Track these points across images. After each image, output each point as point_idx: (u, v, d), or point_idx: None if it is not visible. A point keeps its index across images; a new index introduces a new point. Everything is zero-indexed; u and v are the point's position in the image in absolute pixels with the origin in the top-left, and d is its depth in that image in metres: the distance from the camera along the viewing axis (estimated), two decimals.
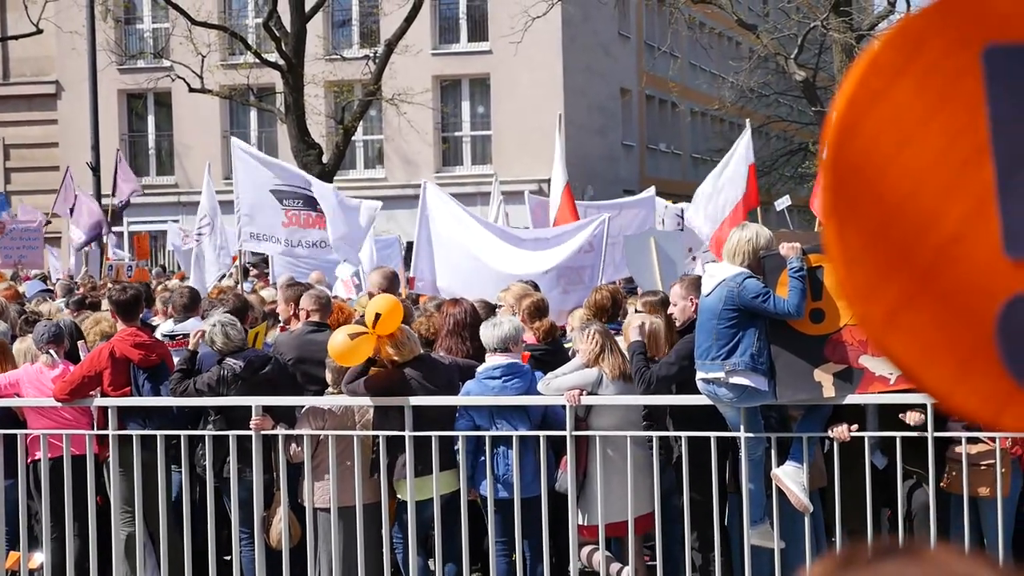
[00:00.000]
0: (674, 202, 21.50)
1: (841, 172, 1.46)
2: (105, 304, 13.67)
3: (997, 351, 1.49)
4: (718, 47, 55.75)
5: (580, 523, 9.33)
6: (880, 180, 1.46)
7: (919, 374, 1.50)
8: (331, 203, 16.96)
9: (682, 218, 18.09)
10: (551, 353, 10.38)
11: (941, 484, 8.79)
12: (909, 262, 1.46)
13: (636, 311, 10.79)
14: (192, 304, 12.31)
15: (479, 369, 9.59)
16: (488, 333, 9.60)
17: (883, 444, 8.88)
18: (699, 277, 10.13)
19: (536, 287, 12.42)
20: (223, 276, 19.89)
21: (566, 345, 10.90)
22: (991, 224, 1.48)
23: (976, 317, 1.48)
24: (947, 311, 1.47)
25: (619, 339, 9.75)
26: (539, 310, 10.84)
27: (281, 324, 12.57)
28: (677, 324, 9.33)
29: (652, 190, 22.67)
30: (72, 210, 28.15)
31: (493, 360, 9.51)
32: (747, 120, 22.00)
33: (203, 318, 11.64)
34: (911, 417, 8.56)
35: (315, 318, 11.01)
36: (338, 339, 9.19)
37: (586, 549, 9.39)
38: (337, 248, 17.03)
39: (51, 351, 10.52)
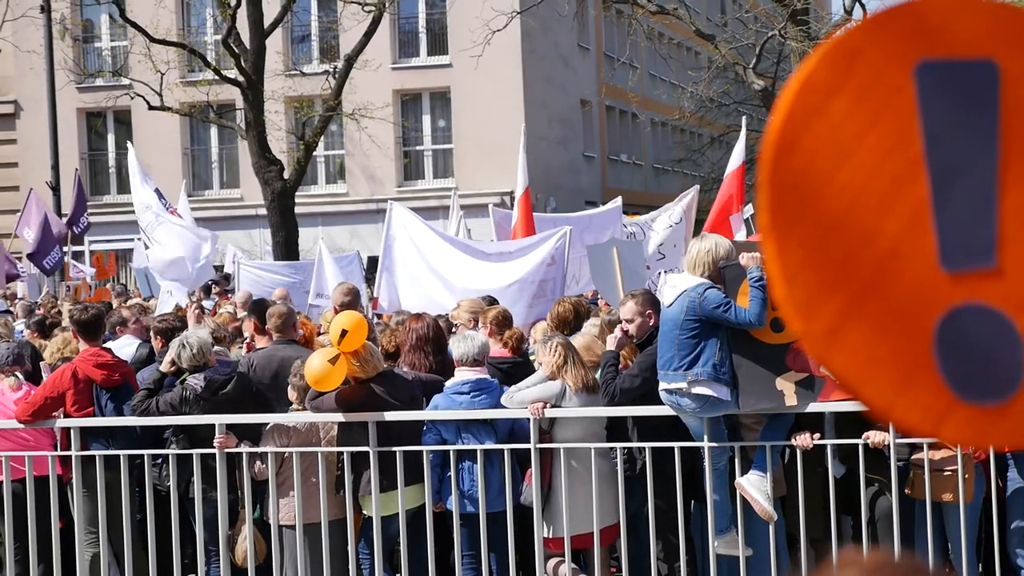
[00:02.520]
0: (632, 215, 21.54)
1: (778, 189, 1.48)
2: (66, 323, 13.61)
3: (935, 364, 1.52)
4: (677, 57, 55.93)
5: (546, 536, 9.34)
6: (818, 197, 1.48)
7: (860, 389, 1.52)
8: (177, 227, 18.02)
9: (643, 231, 18.10)
10: (518, 366, 10.39)
11: (906, 491, 8.84)
12: (848, 278, 1.48)
13: (601, 326, 10.81)
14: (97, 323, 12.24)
15: (448, 384, 9.60)
16: (459, 347, 9.62)
17: (842, 453, 8.93)
18: (648, 291, 10.15)
19: (493, 301, 12.43)
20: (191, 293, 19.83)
21: (531, 358, 10.91)
22: (927, 238, 1.50)
23: (915, 331, 1.50)
24: (886, 326, 1.49)
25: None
26: (506, 320, 10.85)
27: (247, 341, 12.55)
28: (635, 340, 9.34)
29: (619, 200, 22.71)
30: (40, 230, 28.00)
31: (462, 375, 9.53)
32: (743, 119, 22.11)
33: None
34: (874, 438, 8.60)
35: (281, 335, 11.02)
36: (314, 364, 9.19)
37: (552, 561, 9.41)
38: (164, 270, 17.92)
39: (18, 373, 10.48)
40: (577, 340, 9.91)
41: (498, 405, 9.42)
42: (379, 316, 14.46)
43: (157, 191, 18.00)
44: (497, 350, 10.56)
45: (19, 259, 30.06)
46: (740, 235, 18.56)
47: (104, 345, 10.97)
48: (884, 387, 1.51)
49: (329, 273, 18.78)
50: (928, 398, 1.52)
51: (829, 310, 1.47)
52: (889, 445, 8.58)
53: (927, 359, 1.51)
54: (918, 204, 1.48)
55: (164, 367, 10.04)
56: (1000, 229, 1.52)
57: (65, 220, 29.88)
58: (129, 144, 18.94)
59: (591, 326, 10.87)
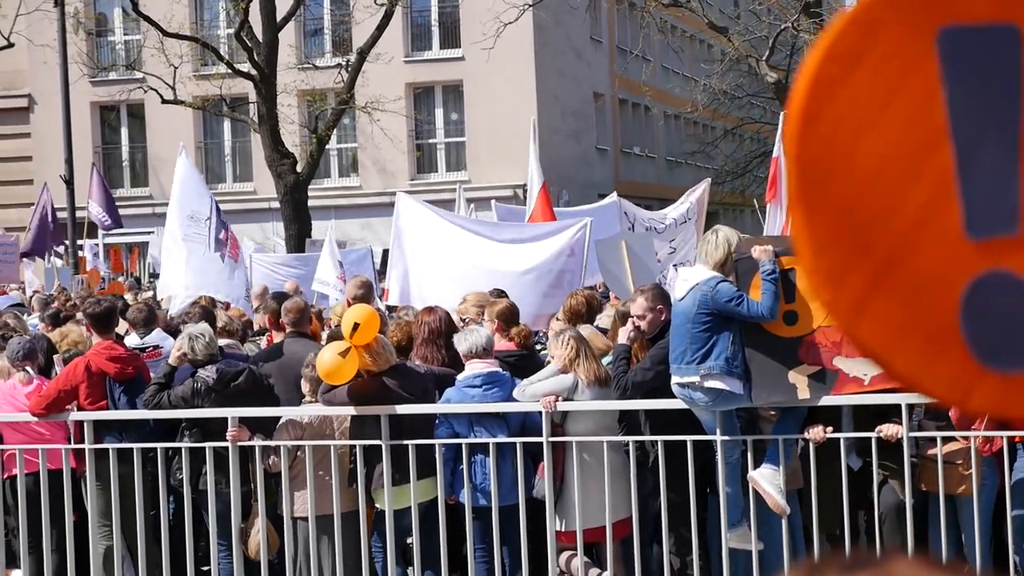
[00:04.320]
0: (645, 207, 21.56)
1: (804, 160, 1.49)
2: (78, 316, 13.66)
3: (962, 333, 1.52)
4: (690, 50, 55.89)
5: (558, 529, 9.34)
6: (844, 167, 1.49)
7: (888, 360, 1.52)
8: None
9: (653, 227, 18.09)
10: (525, 358, 10.39)
11: (921, 486, 8.83)
12: (875, 248, 1.48)
13: (612, 318, 10.79)
14: (150, 317, 12.28)
15: (459, 377, 9.60)
16: (466, 341, 9.63)
17: (858, 446, 8.91)
18: (657, 286, 10.15)
19: (502, 294, 12.42)
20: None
21: (542, 352, 10.90)
22: (952, 207, 1.50)
23: (941, 300, 1.50)
24: (913, 296, 1.49)
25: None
26: (512, 315, 10.84)
27: (268, 335, 12.63)
28: (646, 335, 9.32)
29: (614, 195, 22.75)
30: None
31: (473, 368, 9.53)
32: (781, 113, 22.20)
33: (170, 331, 11.64)
34: (887, 431, 8.58)
35: (295, 328, 11.07)
36: (326, 357, 9.19)
37: (564, 555, 9.41)
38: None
39: (28, 368, 10.50)
40: (585, 332, 9.91)
41: (510, 398, 9.42)
42: (392, 309, 14.45)
43: (218, 209, 17.30)
44: (503, 344, 10.55)
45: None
46: (774, 228, 18.62)
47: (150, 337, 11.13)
48: (911, 358, 1.51)
49: (326, 261, 18.77)
50: (955, 368, 1.52)
51: (856, 280, 1.48)
52: (902, 438, 8.55)
53: (953, 329, 1.51)
54: (943, 172, 1.48)
55: (173, 360, 10.06)
56: (1022, 195, 1.52)
57: (87, 213, 29.99)
58: (183, 150, 18.53)
59: (604, 318, 10.85)
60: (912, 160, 1.49)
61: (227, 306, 17.05)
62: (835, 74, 1.48)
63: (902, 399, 8.43)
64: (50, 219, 29.62)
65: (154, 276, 30.45)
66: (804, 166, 1.49)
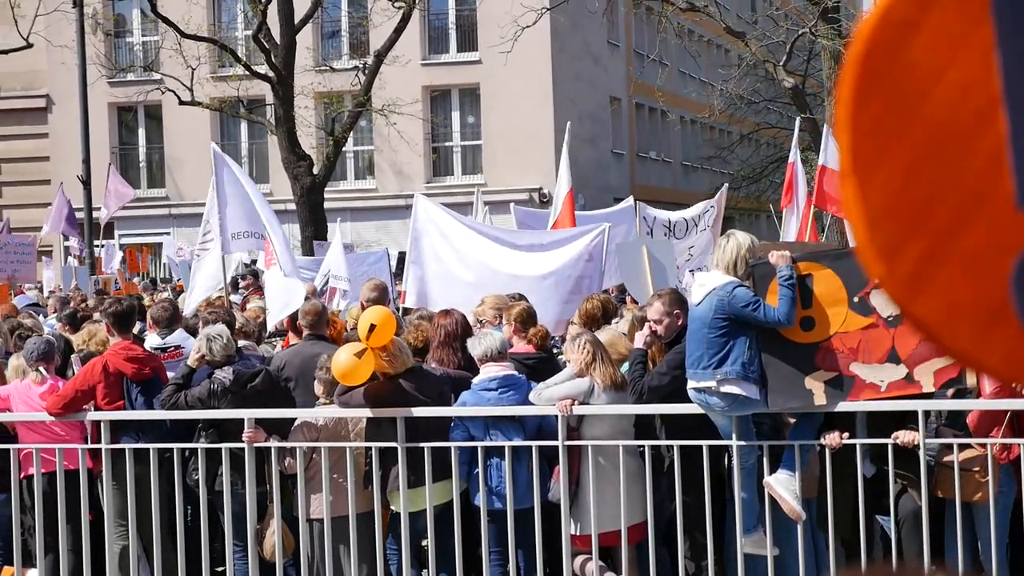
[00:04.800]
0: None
1: (859, 131, 1.47)
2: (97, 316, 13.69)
3: (1013, 307, 1.50)
4: (707, 55, 55.84)
5: (573, 533, 9.34)
6: (898, 138, 1.47)
7: (942, 335, 1.51)
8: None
9: (670, 229, 18.10)
10: (544, 361, 10.38)
11: (937, 493, 8.81)
12: (930, 220, 1.47)
13: (629, 322, 10.79)
14: (174, 317, 12.30)
15: (475, 380, 9.60)
16: (480, 345, 9.63)
17: (872, 452, 8.90)
18: (674, 290, 10.15)
19: (521, 298, 12.42)
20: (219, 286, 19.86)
21: (559, 357, 10.89)
22: (1004, 178, 1.48)
23: (993, 274, 1.49)
24: (967, 270, 1.48)
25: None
26: (530, 317, 10.84)
27: (285, 338, 12.65)
28: (663, 339, 9.32)
29: (631, 200, 22.75)
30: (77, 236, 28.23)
31: (488, 371, 9.53)
32: (796, 118, 22.24)
33: (190, 331, 11.67)
34: (903, 438, 8.56)
35: (312, 331, 11.09)
36: (342, 358, 9.20)
37: (579, 559, 9.41)
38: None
39: (41, 368, 10.52)
40: (602, 336, 9.90)
41: (526, 401, 9.42)
42: (407, 312, 14.45)
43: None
44: (521, 346, 10.55)
45: (48, 252, 30.22)
46: (790, 233, 18.60)
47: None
48: (965, 332, 1.50)
49: (333, 260, 18.75)
50: (1009, 343, 1.51)
51: (911, 254, 1.46)
52: (919, 445, 8.53)
53: (1005, 303, 1.50)
54: (996, 142, 1.47)
55: (192, 362, 10.07)
56: None
57: (102, 212, 30.07)
58: (241, 170, 18.31)
59: (622, 322, 10.83)
60: (966, 131, 1.47)
61: (243, 306, 17.08)
62: (891, 42, 1.46)
63: (919, 405, 8.42)
64: (69, 214, 29.71)
65: (163, 281, 30.55)
66: (858, 137, 1.48)
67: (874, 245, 1.48)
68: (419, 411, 9.33)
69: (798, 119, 23.89)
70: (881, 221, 1.47)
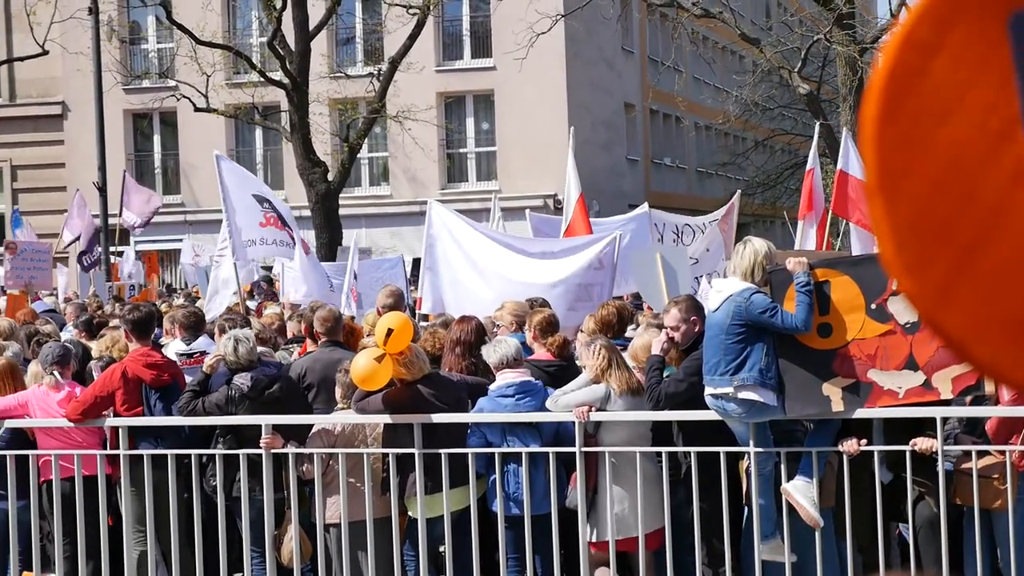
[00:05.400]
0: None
1: (884, 149, 1.50)
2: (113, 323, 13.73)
3: None
4: (722, 61, 55.83)
5: (590, 539, 9.35)
6: (923, 155, 1.50)
7: (970, 348, 1.53)
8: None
9: (678, 235, 18.12)
10: (563, 369, 10.38)
11: (956, 500, 8.79)
12: (956, 235, 1.49)
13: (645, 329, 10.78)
14: (199, 323, 12.34)
15: (492, 387, 9.62)
16: (495, 353, 9.65)
17: (889, 459, 8.89)
18: (691, 297, 10.16)
19: (544, 303, 12.43)
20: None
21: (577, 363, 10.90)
22: None
23: (1018, 287, 1.51)
24: (995, 283, 1.50)
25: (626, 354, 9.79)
26: (551, 325, 10.85)
27: (303, 345, 12.69)
28: (679, 346, 9.33)
29: (645, 206, 22.80)
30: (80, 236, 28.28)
31: (505, 378, 9.54)
32: (816, 124, 22.22)
33: (213, 337, 11.70)
34: (921, 444, 8.55)
35: (329, 337, 11.12)
36: (360, 363, 9.22)
37: (599, 572, 9.41)
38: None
39: (55, 372, 10.56)
40: (637, 341, 9.91)
41: (543, 407, 9.43)
42: (425, 318, 14.48)
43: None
44: (541, 353, 10.56)
45: (64, 259, 30.32)
46: (809, 243, 18.58)
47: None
48: (994, 346, 1.52)
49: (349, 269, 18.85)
50: None
51: (939, 268, 1.49)
52: (937, 452, 8.53)
53: None
54: (1018, 160, 1.50)
55: (207, 368, 10.11)
56: None
57: (120, 219, 30.14)
58: (238, 169, 18.40)
59: (644, 327, 10.81)
60: (988, 149, 1.49)
61: (259, 312, 17.13)
62: (913, 64, 1.49)
63: (937, 412, 8.42)
64: (90, 223, 29.80)
65: (180, 289, 30.59)
66: (884, 155, 1.50)
67: (901, 260, 1.50)
68: (437, 417, 9.35)
69: (817, 125, 23.90)
70: (907, 236, 1.49)
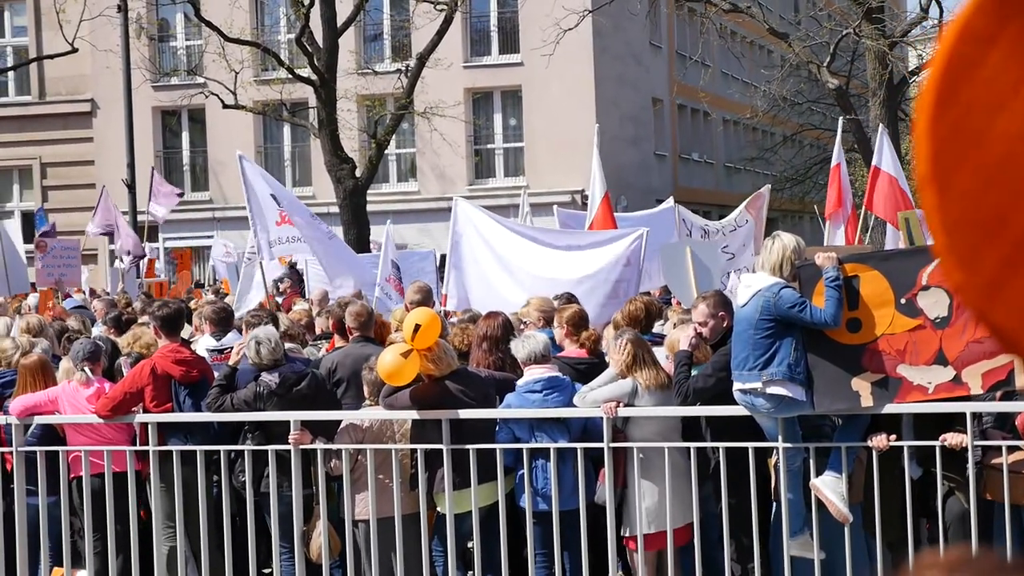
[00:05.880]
0: (704, 213, 21.56)
1: (938, 140, 1.49)
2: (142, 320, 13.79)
3: None
4: (750, 56, 55.68)
5: (625, 535, 9.34)
6: (976, 147, 1.49)
7: (1022, 341, 1.52)
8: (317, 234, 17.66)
9: (706, 234, 18.07)
10: (594, 367, 10.35)
11: (986, 495, 8.75)
12: (1009, 228, 1.48)
13: (674, 324, 10.77)
14: (228, 319, 12.38)
15: (519, 383, 9.61)
16: (524, 348, 9.64)
17: (919, 454, 8.86)
18: (719, 292, 10.14)
19: (571, 298, 12.42)
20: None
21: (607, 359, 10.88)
22: None
23: None
24: None
25: (660, 350, 9.78)
26: (583, 320, 10.84)
27: (331, 340, 12.71)
28: (708, 341, 9.31)
29: (670, 201, 22.76)
30: (112, 235, 28.35)
31: (532, 373, 9.54)
32: (839, 119, 22.15)
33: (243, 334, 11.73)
34: (951, 440, 8.51)
35: (361, 333, 11.13)
36: (387, 359, 9.22)
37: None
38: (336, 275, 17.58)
39: (86, 368, 10.60)
40: (673, 335, 9.88)
41: (571, 403, 9.43)
42: (446, 314, 14.49)
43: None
44: (573, 350, 10.54)
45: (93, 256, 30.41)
46: (838, 239, 18.51)
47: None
48: None
49: (383, 265, 18.88)
50: None
51: (991, 261, 1.48)
52: (967, 447, 8.48)
53: None
54: None
55: (232, 362, 10.14)
56: None
57: (147, 215, 30.21)
58: (257, 169, 18.34)
59: (677, 322, 10.78)
60: None
61: (288, 308, 17.16)
62: (969, 55, 1.48)
63: (967, 407, 8.37)
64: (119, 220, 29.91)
65: (199, 286, 30.66)
66: (937, 146, 1.49)
67: (953, 252, 1.49)
68: (465, 413, 9.35)
69: (840, 120, 23.78)
70: (959, 228, 1.48)
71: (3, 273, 23.09)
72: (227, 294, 22.63)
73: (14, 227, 28.62)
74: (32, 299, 18.62)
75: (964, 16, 1.48)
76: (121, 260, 27.91)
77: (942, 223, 1.47)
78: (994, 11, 1.47)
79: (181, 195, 32.32)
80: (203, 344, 11.79)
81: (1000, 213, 1.47)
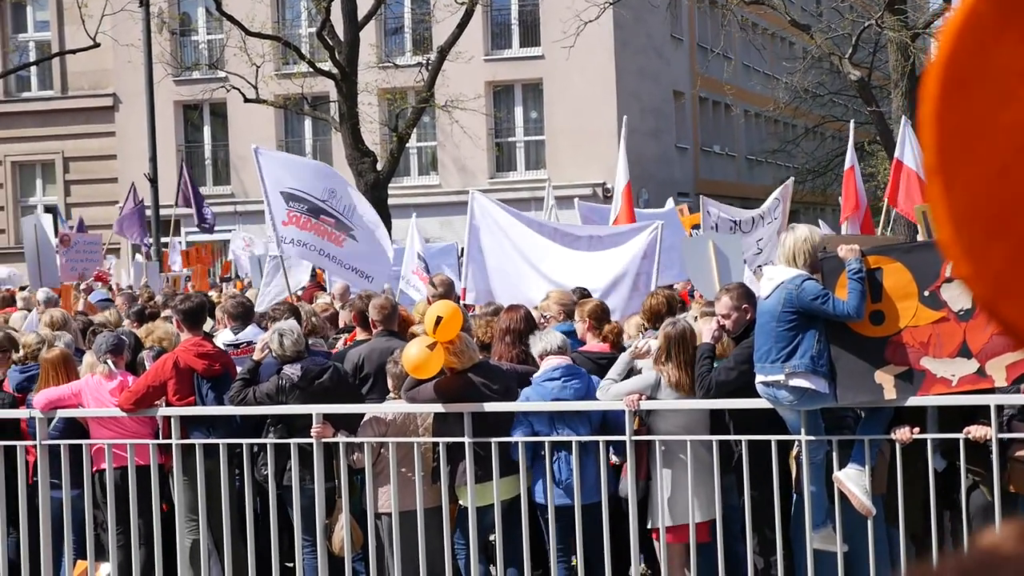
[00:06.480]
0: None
1: (944, 130, 1.47)
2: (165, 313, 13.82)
3: None
4: (771, 48, 55.55)
5: (647, 527, 9.33)
6: (984, 137, 1.47)
7: None
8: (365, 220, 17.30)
9: (736, 225, 18.01)
10: (615, 361, 10.33)
11: (1010, 488, 8.71)
12: (1016, 220, 1.47)
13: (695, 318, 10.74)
14: (247, 314, 12.35)
15: (535, 375, 9.59)
16: (540, 343, 9.63)
17: (943, 446, 8.82)
18: (742, 284, 10.09)
19: (585, 292, 12.40)
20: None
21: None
22: None
23: None
24: None
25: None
26: (604, 313, 10.82)
27: (351, 333, 12.69)
28: (731, 334, 9.28)
29: (671, 202, 22.75)
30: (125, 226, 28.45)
31: (550, 362, 9.52)
32: (851, 122, 22.09)
33: (264, 328, 11.74)
34: (975, 432, 8.47)
35: (385, 326, 11.11)
36: (412, 351, 9.22)
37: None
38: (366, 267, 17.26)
39: (109, 360, 10.62)
40: (696, 327, 9.86)
41: (590, 390, 9.42)
42: (466, 308, 14.48)
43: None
44: (595, 344, 10.52)
45: (115, 249, 30.50)
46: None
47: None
48: None
49: (408, 257, 18.86)
50: None
51: (998, 253, 1.46)
52: (991, 440, 8.44)
53: None
54: None
55: (256, 355, 10.15)
56: None
57: (174, 209, 30.27)
58: (277, 156, 18.07)
59: (698, 315, 10.73)
60: None
61: (310, 299, 17.18)
62: (977, 42, 1.46)
63: (991, 400, 8.34)
64: (140, 213, 30.04)
65: (226, 280, 30.66)
66: (943, 136, 1.47)
67: (959, 244, 1.48)
68: (489, 406, 9.35)
69: (851, 123, 23.68)
70: (966, 220, 1.47)
71: (36, 267, 23.20)
72: (248, 287, 22.68)
73: (47, 222, 28.66)
74: (41, 294, 18.64)
75: (970, 3, 1.46)
76: (139, 254, 27.99)
77: (949, 215, 1.46)
78: None
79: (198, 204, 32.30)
80: (221, 339, 11.79)
81: (1008, 206, 1.45)
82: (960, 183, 1.46)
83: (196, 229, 35.31)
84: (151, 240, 32.31)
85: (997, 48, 1.45)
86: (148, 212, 32.35)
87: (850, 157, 20.47)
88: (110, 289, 24.11)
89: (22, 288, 23.38)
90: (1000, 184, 1.45)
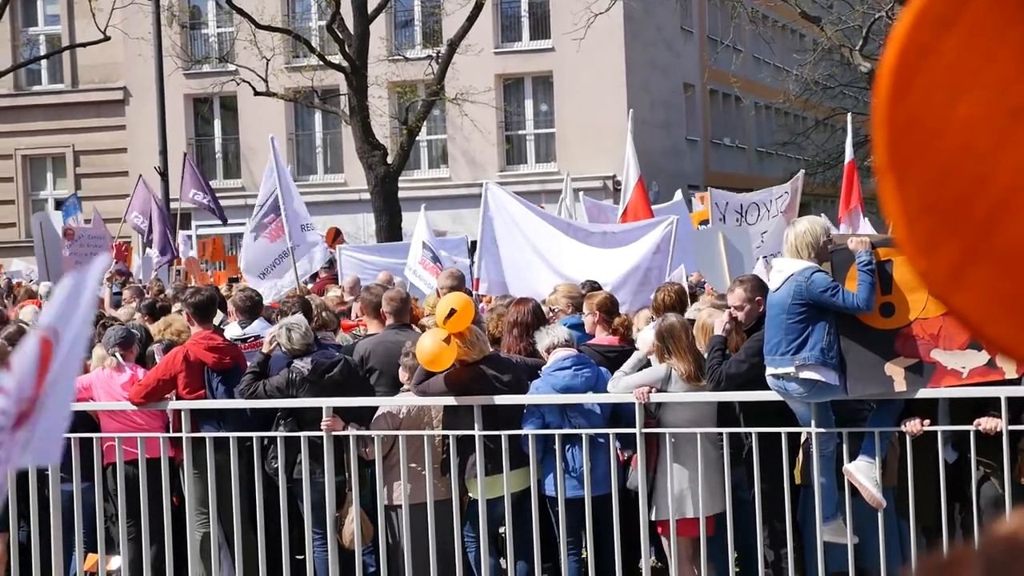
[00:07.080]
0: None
1: (895, 129, 1.47)
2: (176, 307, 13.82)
3: None
4: (781, 40, 55.44)
5: (653, 519, 9.32)
6: (935, 135, 1.47)
7: (984, 328, 1.51)
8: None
9: (742, 214, 17.99)
10: (625, 355, 10.31)
11: (1022, 480, 8.69)
12: (969, 216, 1.47)
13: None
14: (255, 307, 12.34)
15: (544, 367, 9.58)
16: (546, 339, 9.63)
17: (953, 439, 8.80)
18: (755, 276, 10.07)
19: (595, 285, 12.39)
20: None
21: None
22: None
23: None
24: (1009, 263, 1.48)
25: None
26: (614, 305, 10.81)
27: (356, 323, 12.69)
28: (743, 326, 9.26)
29: (679, 194, 22.69)
30: (148, 228, 28.42)
31: (559, 353, 9.52)
32: (848, 114, 22.03)
33: (271, 321, 11.75)
34: (986, 424, 8.45)
35: (396, 319, 11.10)
36: (427, 344, 9.22)
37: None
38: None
39: (118, 353, 10.63)
40: (708, 319, 9.85)
41: (600, 379, 9.42)
42: (479, 299, 14.48)
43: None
44: (604, 337, 10.51)
45: (126, 243, 30.50)
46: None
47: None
48: (1006, 325, 1.50)
49: (415, 248, 18.88)
50: None
51: (951, 250, 1.47)
52: (1002, 432, 8.43)
53: None
54: None
55: (266, 348, 10.16)
56: None
57: (180, 202, 30.28)
58: (273, 142, 18.23)
59: (706, 307, 10.72)
60: (1004, 127, 1.47)
61: (321, 292, 17.19)
62: (926, 41, 1.46)
63: (1001, 392, 8.32)
64: (160, 212, 30.02)
65: (235, 280, 30.68)
66: (894, 135, 1.48)
67: (913, 241, 1.48)
68: (500, 399, 9.35)
69: (849, 116, 23.59)
70: (919, 217, 1.47)
71: (43, 261, 23.20)
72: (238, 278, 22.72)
73: (57, 216, 28.69)
74: (43, 288, 18.67)
75: (921, 3, 1.46)
76: (151, 246, 28.01)
77: (902, 212, 1.46)
78: None
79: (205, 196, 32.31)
80: (229, 332, 11.79)
81: (960, 201, 1.45)
82: (912, 180, 1.46)
83: (206, 222, 35.32)
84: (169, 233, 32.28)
85: (948, 43, 1.45)
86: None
87: (849, 151, 20.35)
88: (122, 284, 24.13)
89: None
90: (953, 180, 1.46)
